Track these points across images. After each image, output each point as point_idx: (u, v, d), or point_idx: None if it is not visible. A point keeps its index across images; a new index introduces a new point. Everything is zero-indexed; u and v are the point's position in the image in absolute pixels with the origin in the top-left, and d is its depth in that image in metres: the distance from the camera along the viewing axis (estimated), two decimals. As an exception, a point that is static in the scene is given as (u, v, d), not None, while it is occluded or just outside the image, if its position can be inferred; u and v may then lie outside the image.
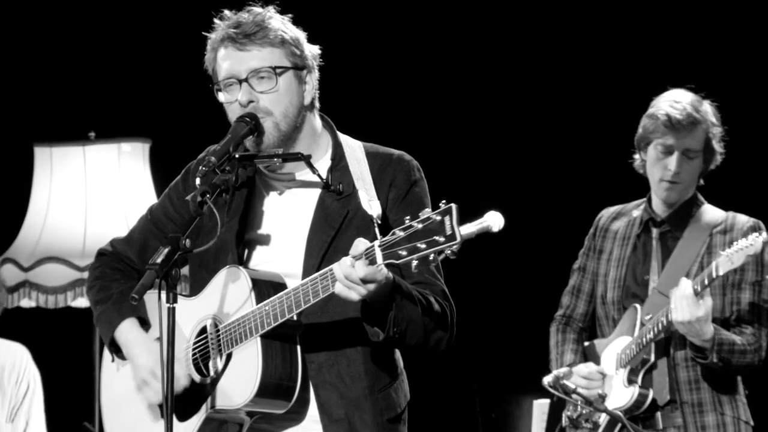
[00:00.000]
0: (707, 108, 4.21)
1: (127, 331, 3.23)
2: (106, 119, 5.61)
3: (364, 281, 2.87)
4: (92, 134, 5.22)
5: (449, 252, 2.81)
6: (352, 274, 2.87)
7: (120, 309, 3.24)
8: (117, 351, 3.29)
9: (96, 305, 3.32)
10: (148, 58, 6.21)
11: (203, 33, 3.16)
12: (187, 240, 2.95)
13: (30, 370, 4.59)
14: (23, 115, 6.13)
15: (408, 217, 2.86)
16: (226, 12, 3.16)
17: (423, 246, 2.81)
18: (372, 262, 2.86)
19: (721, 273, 3.95)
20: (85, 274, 4.69)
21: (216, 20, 3.16)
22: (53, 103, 6.19)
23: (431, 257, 2.83)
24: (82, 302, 5.06)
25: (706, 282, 3.97)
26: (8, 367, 4.56)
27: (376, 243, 2.86)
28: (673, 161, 4.14)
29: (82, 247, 5.08)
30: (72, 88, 6.21)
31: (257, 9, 3.18)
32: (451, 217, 2.79)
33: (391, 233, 2.86)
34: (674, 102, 4.20)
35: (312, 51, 3.21)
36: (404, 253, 2.83)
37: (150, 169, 5.30)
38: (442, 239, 2.78)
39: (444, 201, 2.84)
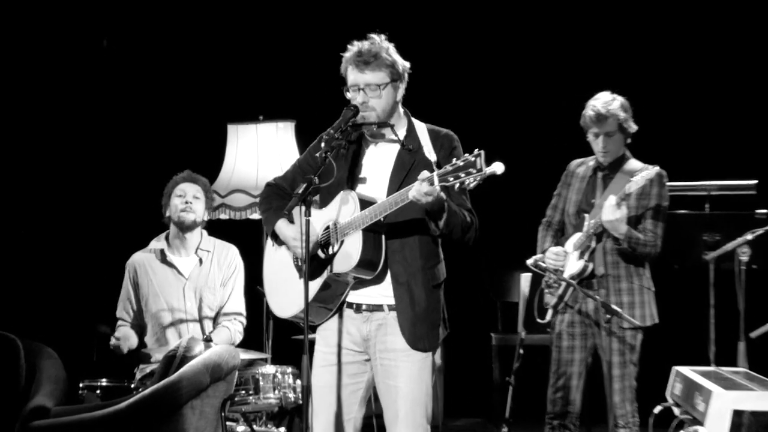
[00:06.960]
0: (616, 104, 4.66)
1: (281, 224, 3.75)
2: (270, 107, 6.13)
3: (426, 194, 3.34)
4: (261, 117, 5.91)
5: (479, 179, 3.21)
6: (421, 189, 3.35)
7: (277, 214, 3.75)
8: (275, 238, 3.79)
9: (263, 212, 3.85)
10: (295, 65, 7.14)
11: (340, 54, 3.64)
12: (317, 179, 3.44)
13: (238, 259, 5.22)
14: (220, 105, 7.00)
15: (455, 158, 3.28)
16: (355, 42, 3.62)
17: (462, 175, 3.23)
18: (431, 183, 3.33)
19: (631, 191, 4.47)
20: (258, 199, 5.03)
21: (348, 45, 3.63)
22: (239, 97, 7.00)
23: (466, 183, 3.20)
24: (255, 216, 5.68)
25: (623, 197, 4.48)
26: (224, 254, 5.17)
27: (435, 173, 3.34)
28: (600, 142, 4.74)
29: (255, 183, 5.72)
30: (249, 88, 7.06)
31: (375, 38, 3.60)
32: (480, 158, 3.24)
33: (443, 168, 3.30)
34: (592, 106, 4.68)
35: (404, 65, 3.67)
36: (451, 179, 3.26)
37: (295, 138, 5.94)
38: (474, 171, 3.23)
39: (477, 148, 3.26)
